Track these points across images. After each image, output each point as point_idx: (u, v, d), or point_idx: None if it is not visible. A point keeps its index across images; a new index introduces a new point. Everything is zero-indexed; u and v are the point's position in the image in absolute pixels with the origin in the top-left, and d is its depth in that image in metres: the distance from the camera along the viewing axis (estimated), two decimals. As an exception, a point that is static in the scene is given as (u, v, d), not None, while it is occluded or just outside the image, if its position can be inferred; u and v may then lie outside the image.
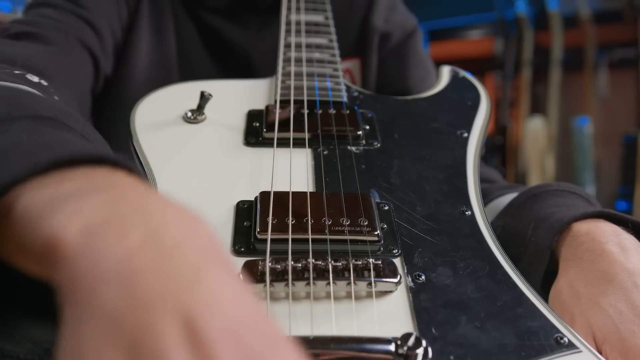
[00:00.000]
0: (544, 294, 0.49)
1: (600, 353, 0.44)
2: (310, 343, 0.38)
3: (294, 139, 0.59)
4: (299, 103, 0.63)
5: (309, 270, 0.43)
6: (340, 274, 0.43)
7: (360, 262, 0.44)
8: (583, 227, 0.54)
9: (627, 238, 0.53)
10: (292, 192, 0.51)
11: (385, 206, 0.52)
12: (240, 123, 0.62)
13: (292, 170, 0.55)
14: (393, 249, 0.48)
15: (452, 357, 0.39)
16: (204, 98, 0.60)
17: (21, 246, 0.33)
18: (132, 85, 0.80)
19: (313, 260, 0.43)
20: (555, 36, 2.81)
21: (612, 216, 0.55)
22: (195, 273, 0.29)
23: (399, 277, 0.44)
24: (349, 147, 0.59)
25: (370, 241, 0.48)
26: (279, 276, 0.43)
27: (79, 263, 0.29)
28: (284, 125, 0.60)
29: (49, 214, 0.31)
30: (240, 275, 0.43)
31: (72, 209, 0.31)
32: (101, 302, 0.27)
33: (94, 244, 0.29)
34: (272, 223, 0.47)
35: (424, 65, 0.91)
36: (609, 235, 0.53)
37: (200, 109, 0.61)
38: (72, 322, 0.28)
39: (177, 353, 0.26)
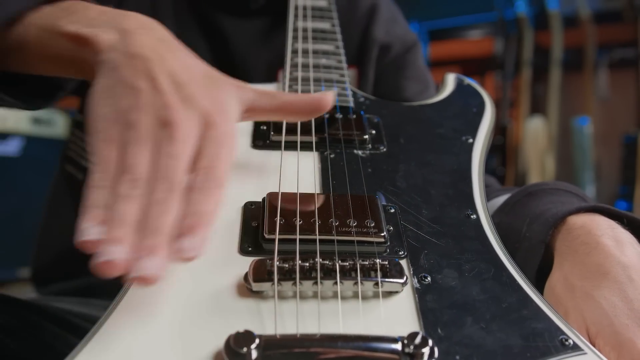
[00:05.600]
0: (539, 289, 0.50)
1: (594, 346, 0.45)
2: (318, 341, 0.39)
3: (301, 142, 0.60)
4: None
5: (316, 270, 0.44)
6: (347, 274, 0.44)
7: (367, 263, 0.45)
8: (578, 221, 0.55)
9: (622, 232, 0.53)
10: (300, 194, 0.52)
11: (391, 209, 0.53)
12: (247, 126, 0.63)
13: (299, 172, 0.56)
14: (399, 251, 0.49)
15: (457, 357, 0.39)
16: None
17: (52, 50, 0.51)
18: None
19: (320, 260, 0.44)
20: (555, 36, 2.81)
21: (607, 211, 0.56)
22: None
23: (405, 277, 0.45)
24: (355, 151, 0.60)
25: (376, 242, 0.48)
26: (286, 275, 0.43)
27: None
28: (291, 128, 0.60)
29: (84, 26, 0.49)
30: (249, 274, 0.44)
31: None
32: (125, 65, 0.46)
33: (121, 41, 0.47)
34: (279, 223, 0.48)
35: (423, 79, 0.90)
36: (605, 228, 0.53)
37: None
38: (107, 71, 0.46)
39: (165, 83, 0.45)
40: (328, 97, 0.54)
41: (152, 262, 0.38)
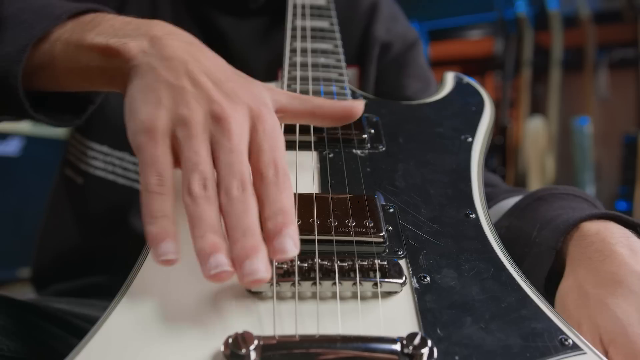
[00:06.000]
0: (548, 295, 0.50)
1: (607, 355, 0.44)
2: (317, 342, 0.39)
3: (299, 141, 0.59)
4: None
5: (315, 270, 0.43)
6: (346, 274, 0.44)
7: (365, 263, 0.45)
8: (593, 228, 0.55)
9: (637, 241, 0.53)
10: (298, 194, 0.51)
11: (390, 208, 0.53)
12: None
13: (297, 172, 0.56)
14: (398, 251, 0.48)
15: (457, 358, 0.39)
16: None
17: (81, 64, 0.51)
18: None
19: (319, 261, 0.44)
20: (555, 36, 2.82)
21: (620, 219, 0.56)
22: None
23: (404, 278, 0.45)
24: (354, 151, 0.60)
25: (375, 242, 0.48)
26: (285, 275, 0.43)
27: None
28: (289, 128, 0.60)
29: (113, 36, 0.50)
30: None
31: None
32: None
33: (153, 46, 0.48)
34: None
35: (424, 77, 0.90)
36: (619, 237, 0.53)
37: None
38: (141, 77, 0.47)
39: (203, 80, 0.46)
40: (359, 106, 0.54)
41: (259, 264, 0.38)
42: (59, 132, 2.38)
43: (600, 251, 0.52)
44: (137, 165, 0.81)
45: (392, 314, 0.43)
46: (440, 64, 3.13)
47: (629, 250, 0.51)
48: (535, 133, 2.70)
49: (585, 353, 0.41)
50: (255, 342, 0.37)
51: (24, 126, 2.30)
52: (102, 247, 0.86)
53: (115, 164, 0.83)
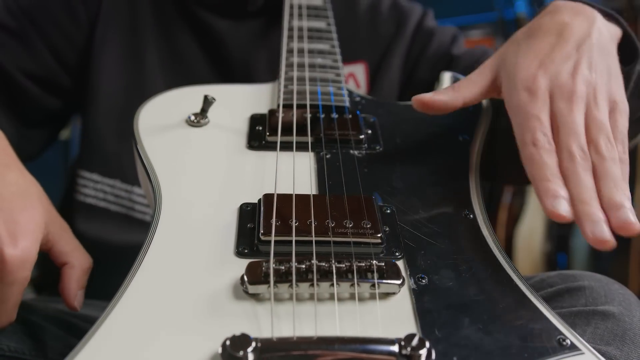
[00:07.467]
0: None
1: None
2: (314, 343, 0.38)
3: (296, 142, 0.59)
4: (301, 107, 0.63)
5: (312, 272, 0.43)
6: (343, 275, 0.44)
7: (363, 264, 0.44)
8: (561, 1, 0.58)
9: (586, 7, 0.57)
10: (295, 195, 0.51)
11: (387, 209, 0.53)
12: (243, 127, 0.62)
13: (294, 173, 0.56)
14: (396, 252, 0.48)
15: (455, 359, 0.39)
16: (207, 102, 0.61)
17: None
18: (104, 89, 0.82)
19: (317, 262, 0.44)
20: (555, 36, 2.80)
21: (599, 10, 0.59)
22: None
23: (401, 279, 0.44)
24: (351, 151, 0.60)
25: (373, 243, 0.48)
26: (282, 277, 0.43)
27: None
28: (286, 129, 0.60)
29: None
30: (245, 276, 0.43)
31: None
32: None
33: None
34: (275, 225, 0.48)
35: (448, 30, 0.90)
36: (572, 5, 0.57)
37: (203, 112, 0.62)
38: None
39: None
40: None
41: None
42: (61, 132, 2.38)
43: (548, 11, 0.56)
44: (129, 193, 0.81)
45: (390, 315, 0.43)
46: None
47: (570, 10, 0.55)
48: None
49: (583, 353, 0.41)
50: (253, 344, 0.37)
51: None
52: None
53: (106, 191, 0.83)
